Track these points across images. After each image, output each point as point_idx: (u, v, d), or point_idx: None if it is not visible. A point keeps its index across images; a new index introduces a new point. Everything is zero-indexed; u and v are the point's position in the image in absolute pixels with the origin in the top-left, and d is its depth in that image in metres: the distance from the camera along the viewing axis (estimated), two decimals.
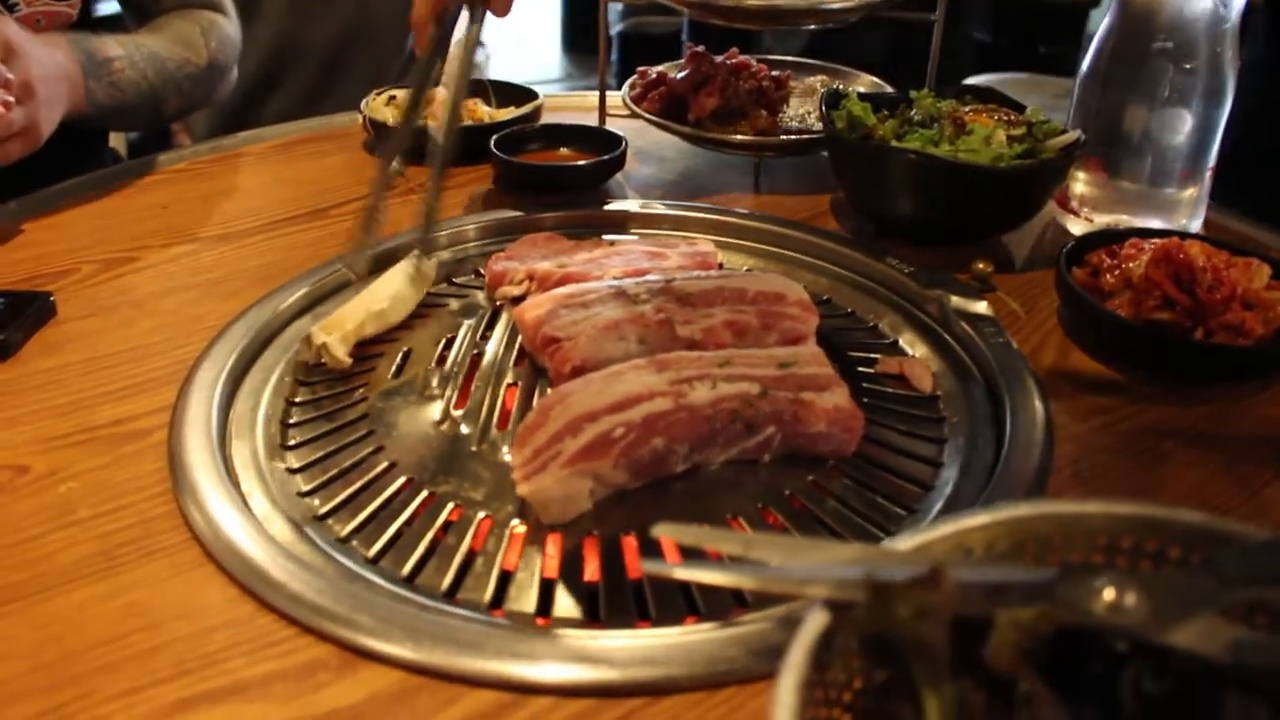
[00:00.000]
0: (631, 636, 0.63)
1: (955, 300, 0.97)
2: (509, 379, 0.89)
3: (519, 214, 1.17)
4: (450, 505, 0.75)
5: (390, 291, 0.96)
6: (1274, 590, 0.49)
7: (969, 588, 0.46)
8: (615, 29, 4.71)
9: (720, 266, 1.07)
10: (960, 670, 0.44)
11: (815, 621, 0.46)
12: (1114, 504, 0.54)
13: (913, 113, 1.16)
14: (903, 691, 0.44)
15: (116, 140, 1.94)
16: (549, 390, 0.83)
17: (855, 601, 0.45)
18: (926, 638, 0.43)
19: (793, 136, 1.28)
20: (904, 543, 0.51)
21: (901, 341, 0.98)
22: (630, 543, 0.71)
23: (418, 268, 1.00)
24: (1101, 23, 1.11)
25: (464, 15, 1.05)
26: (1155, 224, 1.09)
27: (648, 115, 1.31)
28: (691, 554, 0.66)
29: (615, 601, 0.67)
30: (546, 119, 1.42)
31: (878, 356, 0.93)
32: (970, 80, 2.81)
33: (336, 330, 0.90)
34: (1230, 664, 0.45)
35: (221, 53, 1.48)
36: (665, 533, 0.51)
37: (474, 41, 1.05)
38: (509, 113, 1.42)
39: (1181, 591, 0.47)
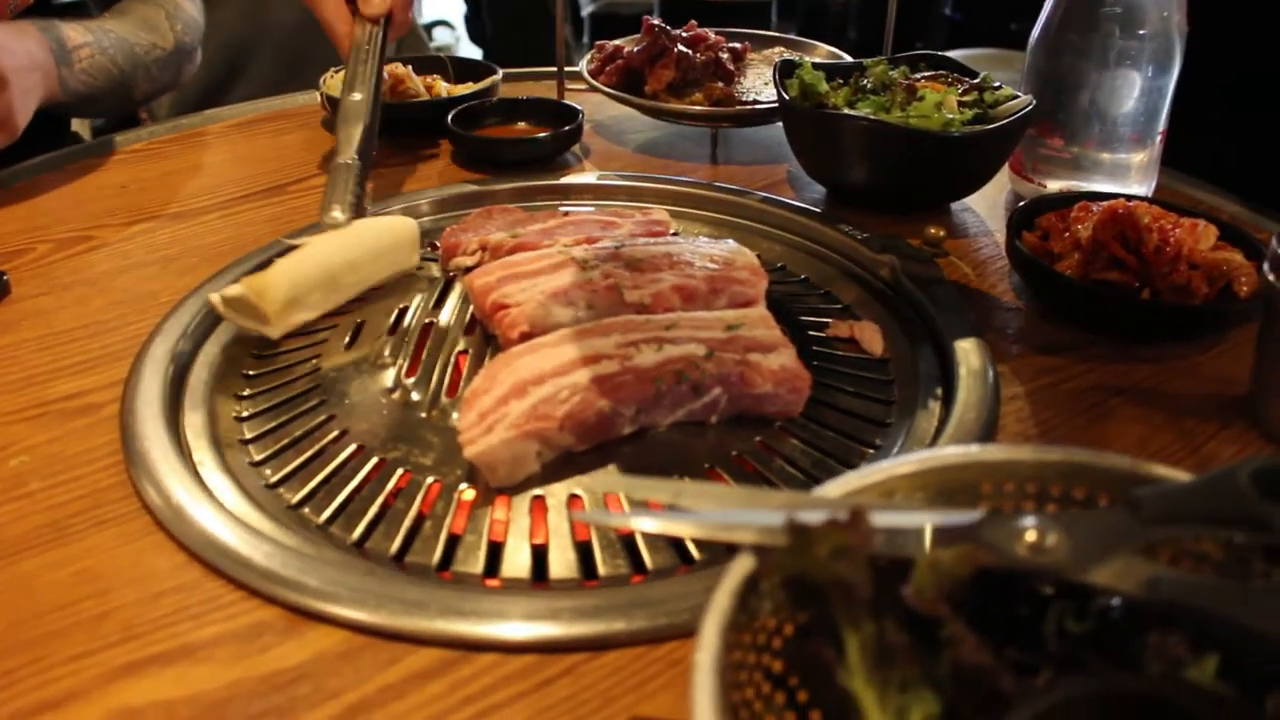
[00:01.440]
0: (576, 594, 0.64)
1: (907, 265, 0.98)
2: (460, 347, 0.90)
3: (475, 187, 1.18)
4: (400, 471, 0.75)
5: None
6: (1193, 529, 0.50)
7: (891, 529, 0.47)
8: (586, 10, 4.70)
9: (675, 235, 1.07)
10: (882, 612, 0.45)
11: (740, 565, 0.46)
12: (1043, 450, 0.55)
13: (865, 80, 1.16)
14: (825, 632, 0.45)
15: (80, 125, 1.93)
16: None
17: (780, 546, 0.46)
18: (846, 577, 0.44)
19: (748, 107, 1.28)
20: (832, 489, 0.52)
21: (854, 306, 0.98)
22: (577, 504, 0.72)
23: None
24: None
25: None
26: (1108, 189, 1.10)
27: (605, 88, 1.32)
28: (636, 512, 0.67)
29: (562, 562, 0.68)
30: (509, 96, 1.42)
31: (829, 321, 0.94)
32: None
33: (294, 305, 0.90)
34: (1148, 600, 0.46)
35: (187, 35, 1.48)
36: (598, 485, 0.52)
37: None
38: (467, 88, 1.42)
39: (1102, 532, 0.48)
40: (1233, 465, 0.48)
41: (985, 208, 1.18)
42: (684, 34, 1.35)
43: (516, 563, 0.68)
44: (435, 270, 1.03)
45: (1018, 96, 1.11)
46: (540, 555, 0.68)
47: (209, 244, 1.08)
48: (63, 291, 1.00)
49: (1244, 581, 0.50)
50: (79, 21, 1.34)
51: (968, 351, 0.87)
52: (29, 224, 1.13)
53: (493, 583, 0.67)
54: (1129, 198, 0.97)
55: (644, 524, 0.52)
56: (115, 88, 1.36)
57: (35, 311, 0.96)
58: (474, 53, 4.55)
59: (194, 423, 0.81)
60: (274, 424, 0.81)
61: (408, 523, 0.71)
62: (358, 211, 1.01)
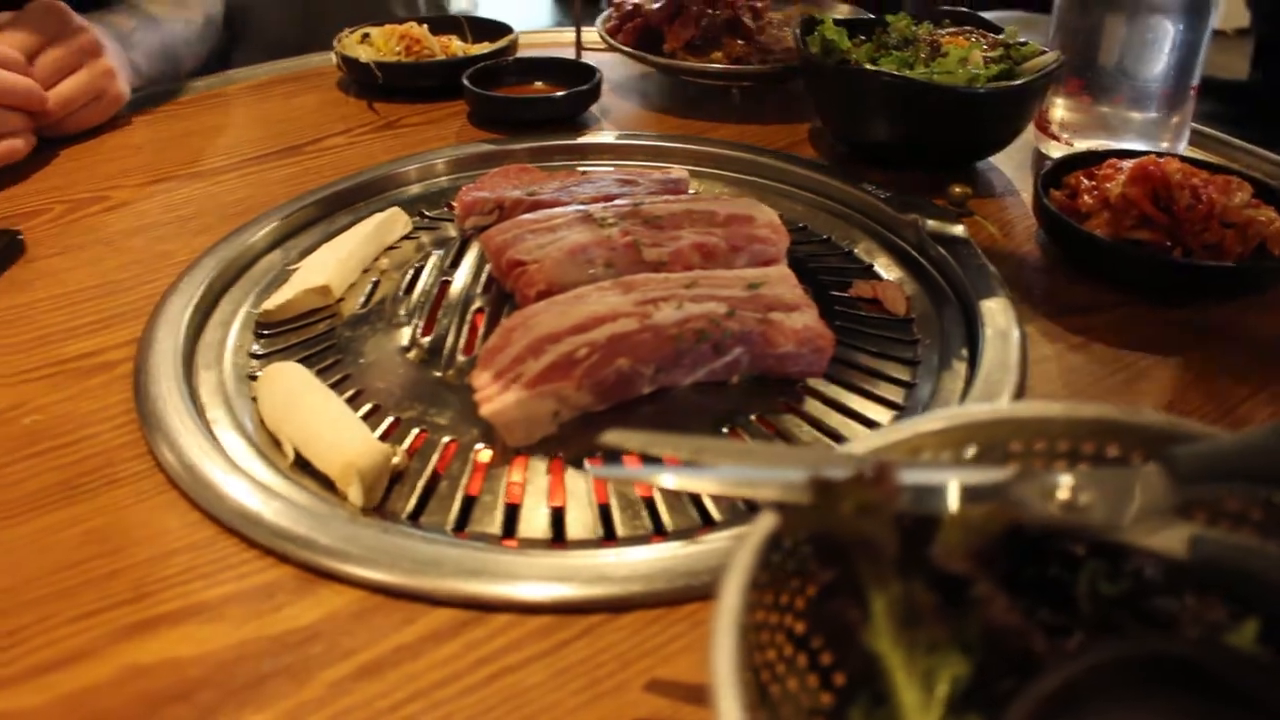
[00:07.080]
0: (594, 555, 0.63)
1: (931, 224, 0.96)
2: (476, 305, 0.88)
3: (492, 146, 1.16)
4: (415, 431, 0.74)
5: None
6: (1232, 488, 0.48)
7: (918, 486, 0.46)
8: None
9: (695, 194, 1.05)
10: (910, 571, 0.43)
11: (763, 524, 0.45)
12: (1075, 406, 0.53)
13: (888, 36, 1.14)
14: (850, 591, 0.43)
15: None
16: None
17: (803, 502, 0.45)
18: (871, 535, 0.42)
19: (769, 65, 1.26)
20: (858, 446, 0.50)
21: (877, 266, 0.96)
22: (596, 462, 0.70)
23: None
24: None
25: None
26: (1138, 148, 1.07)
27: (623, 47, 1.30)
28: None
29: (580, 523, 0.66)
30: (526, 55, 1.40)
31: (852, 281, 0.92)
32: None
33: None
34: (1187, 562, 0.44)
35: (212, 6, 1.53)
36: (613, 439, 0.50)
37: None
38: (484, 48, 1.40)
39: (1138, 490, 0.47)
40: (1275, 422, 0.47)
41: (1011, 167, 1.15)
42: None
43: (534, 524, 0.67)
44: (451, 229, 1.02)
45: (1045, 53, 1.08)
46: (558, 517, 0.67)
47: (225, 203, 1.07)
48: (77, 251, 0.99)
49: None
50: (121, 7, 1.37)
51: (994, 312, 0.85)
52: (45, 184, 1.12)
53: (509, 543, 0.66)
54: (1159, 155, 0.95)
55: (663, 479, 0.50)
56: (168, 66, 1.41)
57: (50, 271, 0.95)
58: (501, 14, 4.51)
59: (208, 381, 0.80)
60: None
61: (423, 483, 0.70)
62: None
